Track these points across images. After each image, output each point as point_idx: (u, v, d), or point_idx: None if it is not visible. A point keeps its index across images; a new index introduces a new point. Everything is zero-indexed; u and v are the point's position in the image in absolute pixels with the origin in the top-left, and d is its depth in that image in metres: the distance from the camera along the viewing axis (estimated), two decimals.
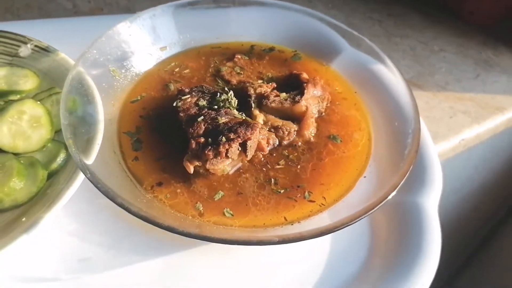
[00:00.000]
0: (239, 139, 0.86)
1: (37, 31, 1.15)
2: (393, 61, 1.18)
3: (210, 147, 0.85)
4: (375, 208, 0.79)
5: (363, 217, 0.79)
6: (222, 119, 0.90)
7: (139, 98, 1.05)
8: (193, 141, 0.87)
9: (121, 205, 0.76)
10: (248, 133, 0.87)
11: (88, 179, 0.79)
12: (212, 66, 1.15)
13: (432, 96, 1.27)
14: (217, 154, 0.85)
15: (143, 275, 0.84)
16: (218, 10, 1.21)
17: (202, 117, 0.91)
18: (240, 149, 0.88)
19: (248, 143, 0.87)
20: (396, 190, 0.82)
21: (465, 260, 2.04)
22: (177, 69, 1.13)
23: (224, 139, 0.85)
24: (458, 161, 1.48)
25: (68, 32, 1.25)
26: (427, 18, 1.54)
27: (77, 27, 1.25)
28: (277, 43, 1.23)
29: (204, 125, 0.90)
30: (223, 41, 1.21)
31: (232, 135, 0.86)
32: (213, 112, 0.92)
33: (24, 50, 1.09)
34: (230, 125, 0.89)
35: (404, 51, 1.40)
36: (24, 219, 0.81)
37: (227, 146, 0.85)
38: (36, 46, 1.09)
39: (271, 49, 1.21)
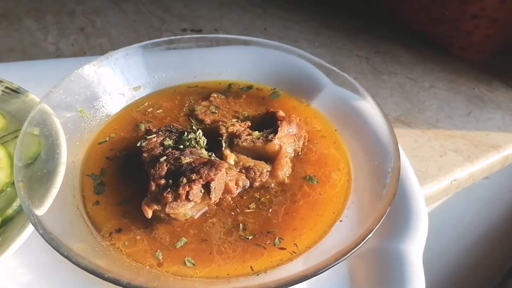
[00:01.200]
0: (201, 180, 0.80)
1: (14, 73, 1.14)
2: (380, 98, 1.14)
3: (169, 189, 0.79)
4: (348, 255, 0.71)
5: (334, 264, 0.71)
6: (186, 159, 0.85)
7: (107, 139, 1.01)
8: (153, 183, 0.81)
9: (66, 256, 0.70)
10: (212, 174, 0.81)
11: (33, 225, 0.73)
12: (186, 105, 1.11)
13: (422, 134, 1.21)
14: (176, 196, 0.79)
15: None
16: (196, 49, 1.19)
17: (165, 157, 0.85)
18: (203, 191, 0.82)
19: (212, 184, 0.81)
20: (371, 234, 0.74)
21: None
22: (150, 109, 1.09)
23: (185, 180, 0.80)
24: (455, 205, 1.39)
25: (45, 73, 1.22)
26: (416, 54, 1.51)
27: (55, 69, 1.23)
28: (256, 81, 1.19)
29: (166, 165, 0.85)
30: (200, 80, 1.18)
31: (194, 176, 0.80)
32: (177, 152, 0.87)
33: None
34: (194, 165, 0.84)
35: (392, 88, 1.35)
36: None
37: (187, 188, 0.79)
38: (6, 87, 1.07)
39: (249, 87, 1.17)
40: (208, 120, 1.06)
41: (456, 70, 1.46)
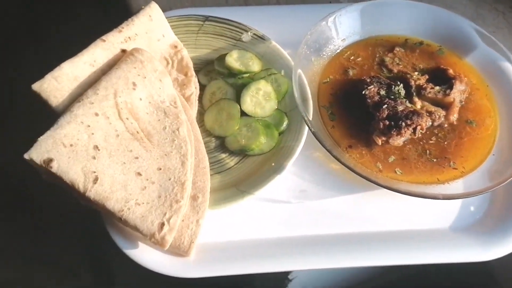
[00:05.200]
0: (413, 125, 1.28)
1: (240, 16, 1.57)
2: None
3: (394, 129, 1.28)
4: (506, 182, 1.21)
5: (498, 186, 1.21)
6: (400, 108, 1.32)
7: (328, 80, 1.48)
8: (381, 123, 1.30)
9: (335, 156, 1.23)
10: (419, 121, 1.29)
11: (313, 133, 1.25)
12: (377, 56, 1.54)
13: None
14: (398, 133, 1.28)
15: (338, 205, 1.32)
16: (384, 8, 1.57)
17: (386, 105, 1.33)
18: (412, 131, 1.30)
19: (418, 127, 1.30)
20: None
21: None
22: (352, 57, 1.53)
23: (403, 124, 1.28)
24: None
25: (262, 17, 1.65)
26: None
27: (278, 15, 1.65)
28: (425, 37, 1.58)
29: (387, 111, 1.32)
30: (384, 34, 1.58)
31: (409, 122, 1.28)
32: (392, 102, 1.34)
33: (245, 37, 1.51)
34: (405, 113, 1.31)
35: None
36: (273, 164, 1.30)
37: (406, 130, 1.28)
38: (254, 34, 1.51)
39: (421, 43, 1.57)
40: (395, 69, 1.50)
41: None
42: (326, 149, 1.24)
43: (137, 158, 1.19)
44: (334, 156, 1.24)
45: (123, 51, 1.36)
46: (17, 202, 1.45)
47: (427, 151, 1.35)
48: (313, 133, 1.26)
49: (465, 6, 1.80)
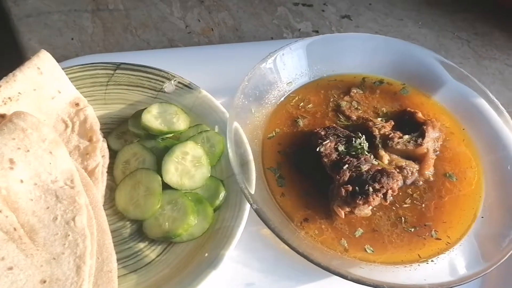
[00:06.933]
0: (384, 189, 1.01)
1: (163, 60, 1.28)
2: (485, 86, 1.28)
3: (360, 197, 1.00)
4: (503, 260, 0.94)
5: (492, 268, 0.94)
6: (364, 167, 1.05)
7: (274, 134, 1.19)
8: (342, 189, 1.02)
9: (285, 241, 0.93)
10: (390, 183, 1.01)
11: (255, 211, 0.95)
12: (331, 100, 1.27)
13: None
14: (365, 202, 1.00)
15: None
16: (335, 43, 1.31)
17: (346, 165, 1.05)
18: (382, 196, 1.02)
19: (389, 191, 1.02)
20: None
21: None
22: (301, 104, 1.26)
23: (371, 189, 1.00)
24: None
25: (190, 60, 1.36)
26: (510, 38, 1.63)
27: (209, 57, 1.36)
28: (385, 75, 1.34)
29: (348, 172, 1.04)
30: (338, 73, 1.33)
31: (377, 186, 1.01)
32: (354, 160, 1.06)
33: (169, 86, 1.22)
34: (371, 173, 1.04)
35: (493, 75, 1.50)
36: (206, 255, 0.98)
37: (374, 196, 1.00)
38: (179, 82, 1.21)
39: (381, 81, 1.32)
40: (354, 116, 1.24)
41: None
42: (272, 230, 0.94)
43: (11, 269, 0.86)
44: (282, 239, 0.94)
45: (2, 116, 1.03)
46: None
47: (402, 218, 1.07)
48: (256, 211, 0.96)
49: (425, 36, 1.58)
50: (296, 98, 1.27)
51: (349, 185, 1.02)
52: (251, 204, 0.96)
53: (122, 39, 1.46)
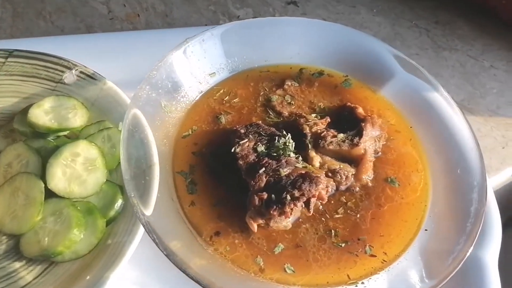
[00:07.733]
0: (304, 197, 0.84)
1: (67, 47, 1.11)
2: (443, 79, 1.13)
3: (275, 207, 0.83)
4: (446, 280, 0.78)
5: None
6: (284, 171, 0.88)
7: (190, 132, 1.02)
8: (256, 197, 0.85)
9: (183, 271, 0.76)
10: (313, 190, 0.85)
11: (153, 240, 0.77)
12: (261, 94, 1.10)
13: (484, 122, 1.23)
14: (281, 213, 0.83)
15: None
16: (266, 30, 1.15)
17: (263, 169, 0.88)
18: (303, 206, 0.86)
19: (312, 200, 0.85)
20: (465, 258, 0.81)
21: None
22: (226, 98, 1.09)
23: (289, 197, 0.83)
24: None
25: (100, 48, 1.19)
26: (475, 27, 1.47)
27: (111, 44, 1.19)
28: (326, 65, 1.17)
29: (265, 177, 0.88)
30: (272, 64, 1.16)
31: (296, 193, 0.84)
32: (274, 163, 0.90)
33: (69, 76, 1.05)
34: (292, 177, 0.87)
35: (453, 68, 1.34)
36: (88, 277, 0.81)
37: (292, 206, 0.83)
38: (81, 72, 1.04)
39: (320, 73, 1.16)
40: (285, 112, 1.07)
41: None
42: (162, 250, 0.77)
43: None
44: (174, 264, 0.77)
45: None
46: None
47: (332, 231, 0.91)
48: (144, 225, 0.78)
49: (379, 25, 1.42)
50: (221, 92, 1.10)
51: (264, 193, 0.85)
52: (138, 217, 0.79)
53: (33, 25, 1.28)
